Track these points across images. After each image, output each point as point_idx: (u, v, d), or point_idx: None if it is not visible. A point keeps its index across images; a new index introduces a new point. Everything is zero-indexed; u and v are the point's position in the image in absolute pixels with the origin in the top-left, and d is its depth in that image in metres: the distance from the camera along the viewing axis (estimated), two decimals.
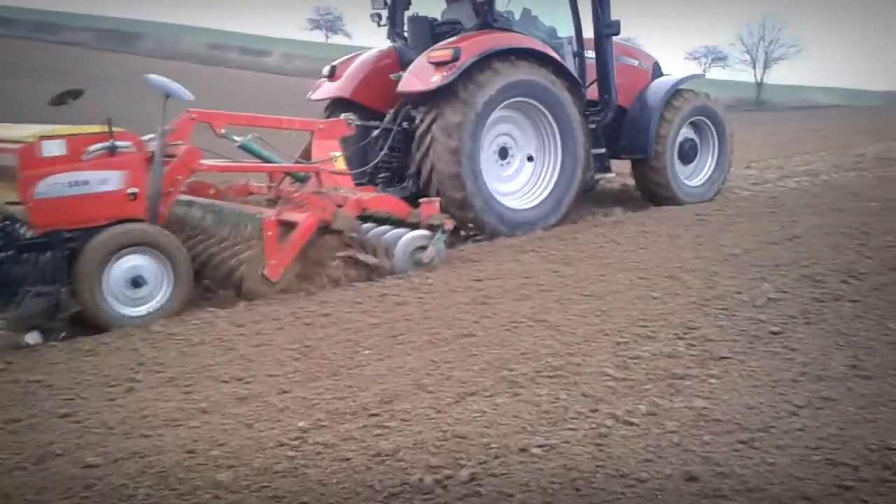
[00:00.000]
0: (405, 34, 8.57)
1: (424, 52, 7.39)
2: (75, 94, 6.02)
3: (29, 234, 5.03)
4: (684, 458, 2.96)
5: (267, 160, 6.80)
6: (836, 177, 10.89)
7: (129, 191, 5.20)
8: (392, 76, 7.88)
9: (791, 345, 4.15)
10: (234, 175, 7.41)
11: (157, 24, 61.69)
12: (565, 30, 8.59)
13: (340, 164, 6.76)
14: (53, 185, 4.89)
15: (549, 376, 3.89)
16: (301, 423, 3.42)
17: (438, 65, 7.09)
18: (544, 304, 5.13)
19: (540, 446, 3.13)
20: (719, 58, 73.76)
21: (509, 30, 7.91)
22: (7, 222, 5.00)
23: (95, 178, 5.06)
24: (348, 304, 5.38)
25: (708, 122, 9.27)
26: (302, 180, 6.83)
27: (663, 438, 3.14)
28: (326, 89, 8.35)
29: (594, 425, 3.31)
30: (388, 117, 7.89)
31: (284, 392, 3.83)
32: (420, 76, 7.23)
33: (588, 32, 8.49)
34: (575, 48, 8.50)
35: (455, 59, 6.99)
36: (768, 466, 2.86)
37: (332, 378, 4.03)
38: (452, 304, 5.26)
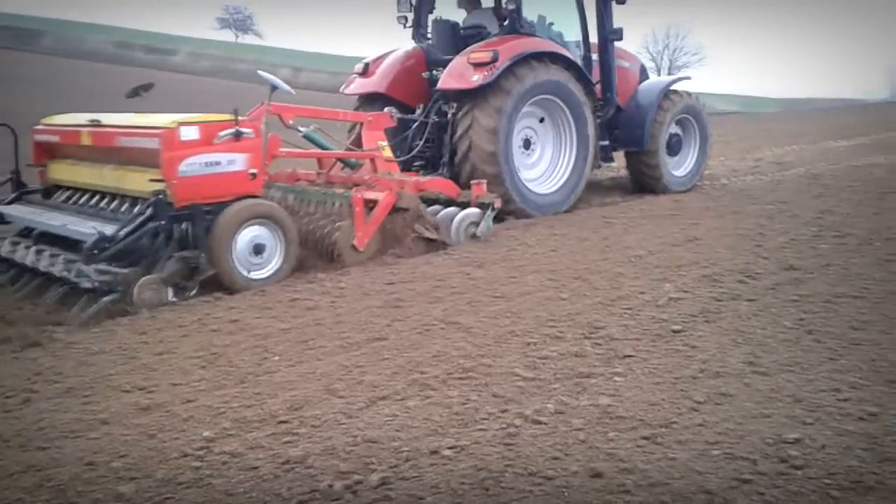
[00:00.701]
0: (429, 36, 9.39)
1: (462, 53, 8.20)
2: (146, 88, 7.22)
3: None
4: (590, 454, 3.03)
5: (326, 148, 7.69)
6: (735, 181, 11.34)
7: (251, 171, 5.93)
8: (424, 74, 8.91)
9: (691, 342, 4.30)
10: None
11: (58, 22, 58.95)
12: (571, 34, 9.44)
13: (388, 153, 7.51)
14: (192, 164, 5.59)
15: (461, 378, 3.92)
16: (206, 433, 3.33)
17: (478, 65, 7.89)
18: (456, 307, 5.16)
19: (451, 448, 3.14)
20: None
21: (533, 35, 8.69)
22: (161, 195, 5.50)
23: (225, 159, 5.78)
24: (257, 309, 5.28)
25: (692, 119, 10.26)
26: (353, 167, 7.70)
27: (570, 436, 3.20)
28: (362, 84, 9.01)
29: (504, 425, 3.35)
30: (418, 111, 8.61)
31: (189, 401, 3.73)
32: (461, 75, 7.99)
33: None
34: (582, 51, 9.32)
35: (494, 60, 7.81)
36: (670, 461, 2.95)
37: (239, 385, 3.94)
38: (365, 307, 5.23)
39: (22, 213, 6.68)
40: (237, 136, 5.85)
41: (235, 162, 5.84)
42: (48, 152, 7.09)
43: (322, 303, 5.37)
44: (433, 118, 8.52)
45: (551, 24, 9.34)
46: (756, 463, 2.92)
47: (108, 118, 6.44)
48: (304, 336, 4.67)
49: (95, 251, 5.26)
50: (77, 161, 6.79)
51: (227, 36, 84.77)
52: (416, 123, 8.52)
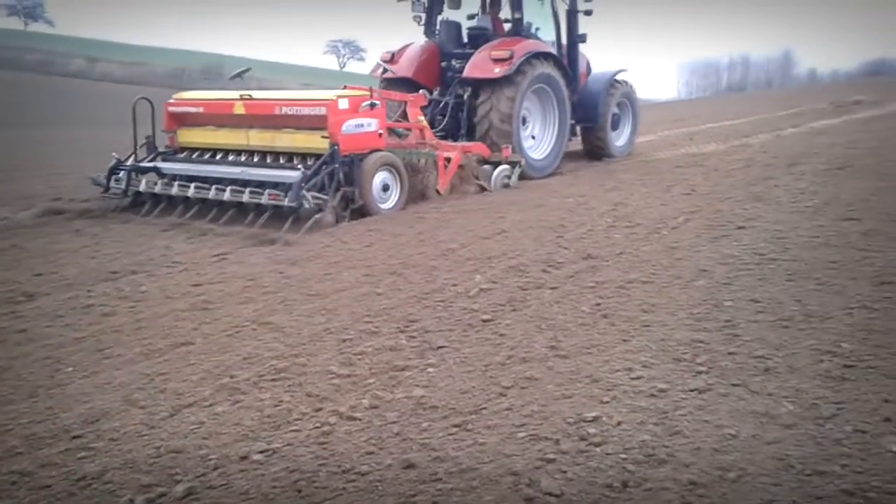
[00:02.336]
0: (437, 32, 11.67)
1: (481, 49, 10.59)
2: (245, 71, 9.83)
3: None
4: (403, 446, 3.06)
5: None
6: (539, 178, 11.89)
7: (379, 131, 8.23)
8: (442, 64, 11.37)
9: (500, 331, 4.46)
10: None
11: None
12: (547, 37, 11.86)
13: (425, 125, 9.47)
14: (349, 126, 7.84)
15: (273, 379, 3.82)
16: None
17: (498, 60, 10.23)
18: (269, 306, 5.03)
19: (262, 452, 3.06)
20: None
21: (530, 37, 11.23)
22: (336, 146, 7.64)
23: (366, 122, 8.04)
24: (48, 317, 4.87)
25: (628, 102, 13.27)
26: (400, 136, 9.04)
27: (385, 430, 3.22)
28: (396, 68, 11.13)
29: (318, 424, 3.31)
30: (436, 93, 11.02)
31: None
32: (484, 67, 10.34)
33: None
34: (557, 51, 11.66)
35: (511, 57, 10.22)
36: (479, 446, 3.04)
37: (28, 400, 3.63)
38: (169, 311, 4.97)
39: (176, 167, 8.71)
40: (372, 106, 8.12)
41: (371, 125, 8.14)
42: (179, 121, 9.20)
43: (121, 308, 5.04)
44: (452, 99, 10.89)
45: (537, 28, 11.80)
46: (559, 442, 3.07)
47: (256, 94, 8.79)
48: (100, 344, 4.36)
49: (304, 184, 7.29)
50: (217, 127, 8.92)
51: (16, 24, 77.76)
52: (442, 103, 10.91)
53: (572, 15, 11.77)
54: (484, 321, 4.63)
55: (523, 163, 10.19)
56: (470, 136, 10.66)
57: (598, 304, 4.91)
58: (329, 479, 2.82)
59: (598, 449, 3.03)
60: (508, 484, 2.76)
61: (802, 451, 2.99)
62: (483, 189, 9.53)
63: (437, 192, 8.98)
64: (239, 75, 9.78)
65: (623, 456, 2.97)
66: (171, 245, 6.92)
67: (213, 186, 7.96)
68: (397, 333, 4.43)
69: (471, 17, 11.92)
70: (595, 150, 12.81)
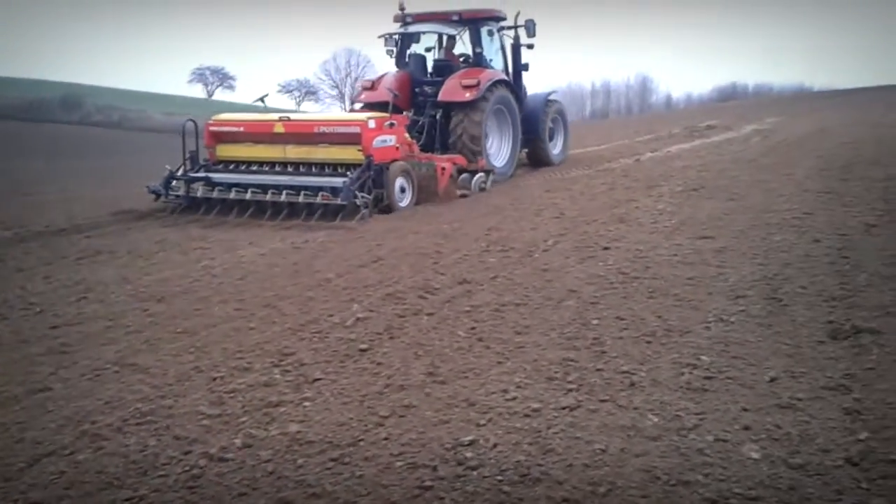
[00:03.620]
0: (407, 63, 13.67)
1: (451, 77, 12.67)
2: (265, 96, 12.11)
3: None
4: (278, 485, 2.98)
5: None
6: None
7: (397, 145, 10.18)
8: (416, 90, 13.35)
9: (377, 359, 4.45)
10: None
11: None
12: (497, 66, 13.81)
13: (412, 141, 11.17)
14: (377, 141, 9.75)
15: (138, 423, 3.66)
16: None
17: (467, 87, 12.33)
18: (132, 347, 4.79)
19: (127, 500, 2.94)
20: (311, 91, 76.70)
21: (489, 68, 13.33)
22: (371, 157, 9.53)
23: (388, 138, 10.00)
24: None
25: (560, 117, 15.54)
26: None
27: (258, 469, 3.13)
28: (375, 95, 12.91)
29: (187, 468, 3.18)
30: (410, 114, 12.65)
31: None
32: (456, 92, 12.39)
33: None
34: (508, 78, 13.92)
35: (478, 84, 12.34)
36: (357, 479, 3.00)
37: None
38: (24, 356, 4.66)
39: (225, 176, 10.23)
40: (391, 125, 10.17)
41: (392, 140, 10.10)
42: (218, 138, 10.82)
43: None
44: (427, 119, 12.75)
45: (491, 59, 13.71)
46: (436, 469, 3.09)
47: (293, 115, 11.31)
48: None
49: (352, 187, 9.14)
50: (255, 143, 10.57)
51: None
52: (419, 122, 12.68)
53: (516, 49, 14.17)
54: (361, 350, 4.60)
55: (494, 171, 12.42)
56: (444, 150, 12.43)
57: (474, 328, 4.98)
58: None
59: (474, 473, 3.06)
60: None
61: (668, 462, 3.13)
62: (464, 195, 11.27)
63: (437, 194, 10.72)
64: (261, 100, 12.07)
65: (499, 478, 3.02)
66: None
67: (270, 191, 9.65)
68: (271, 368, 4.33)
69: (428, 49, 14.21)
70: (538, 159, 15.05)
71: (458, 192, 11.22)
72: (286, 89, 76.96)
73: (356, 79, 72.88)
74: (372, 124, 9.77)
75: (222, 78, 78.59)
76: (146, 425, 3.62)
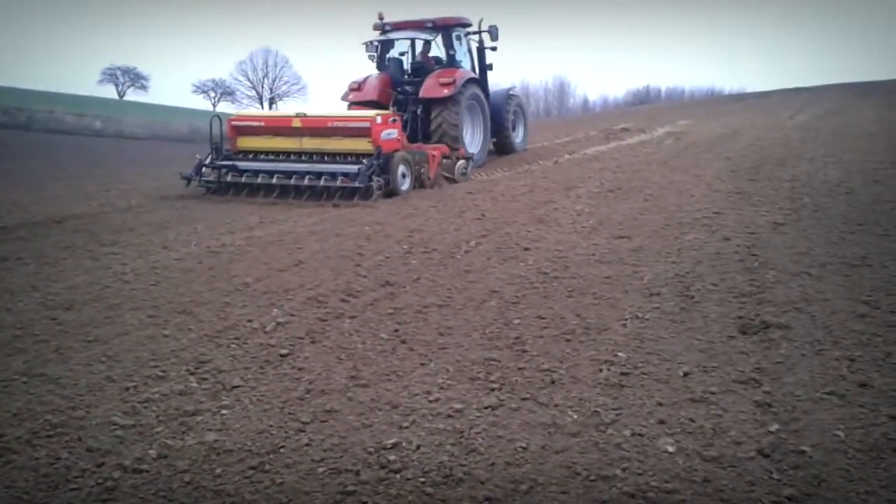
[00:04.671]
0: (387, 66, 15.33)
1: (430, 76, 14.36)
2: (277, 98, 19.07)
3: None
4: (196, 496, 2.91)
5: None
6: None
7: (398, 138, 11.83)
8: (397, 89, 14.87)
9: (299, 364, 4.38)
10: None
11: None
12: (465, 65, 15.52)
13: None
14: (383, 134, 11.42)
15: (49, 436, 3.51)
16: None
17: (444, 84, 13.99)
18: (41, 356, 4.59)
19: None
20: (228, 92, 75.11)
21: (461, 68, 15.04)
22: (380, 148, 11.23)
23: (391, 132, 11.65)
24: None
25: (520, 110, 17.88)
26: None
27: (175, 480, 3.04)
28: (361, 95, 14.64)
29: (101, 480, 3.08)
30: (392, 110, 13.65)
31: None
32: (435, 90, 14.02)
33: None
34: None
35: (454, 82, 14.05)
36: (277, 487, 2.95)
37: None
38: None
39: (248, 165, 11.88)
40: (394, 121, 11.82)
41: (394, 133, 11.69)
42: (239, 132, 12.46)
43: None
44: (408, 115, 14.11)
45: (461, 61, 15.32)
46: (359, 473, 3.06)
47: (309, 111, 12.36)
48: None
49: (367, 172, 10.81)
50: (273, 136, 12.17)
51: None
52: (403, 117, 13.42)
53: (481, 51, 15.99)
54: (282, 356, 4.53)
55: (473, 158, 14.05)
56: (426, 141, 13.86)
57: (397, 331, 4.97)
58: None
59: (397, 476, 3.05)
60: None
61: (587, 457, 3.19)
62: (449, 178, 12.81)
63: (430, 178, 12.19)
64: (273, 101, 15.82)
65: (422, 479, 3.01)
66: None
67: (293, 176, 11.26)
68: (187, 376, 4.21)
69: (402, 53, 15.82)
70: (503, 147, 17.00)
71: (444, 176, 12.82)
72: (201, 89, 75.26)
73: (274, 79, 71.89)
74: (379, 120, 11.44)
75: (134, 78, 76.28)
76: (57, 437, 3.47)
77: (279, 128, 12.23)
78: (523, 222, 8.59)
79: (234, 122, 12.59)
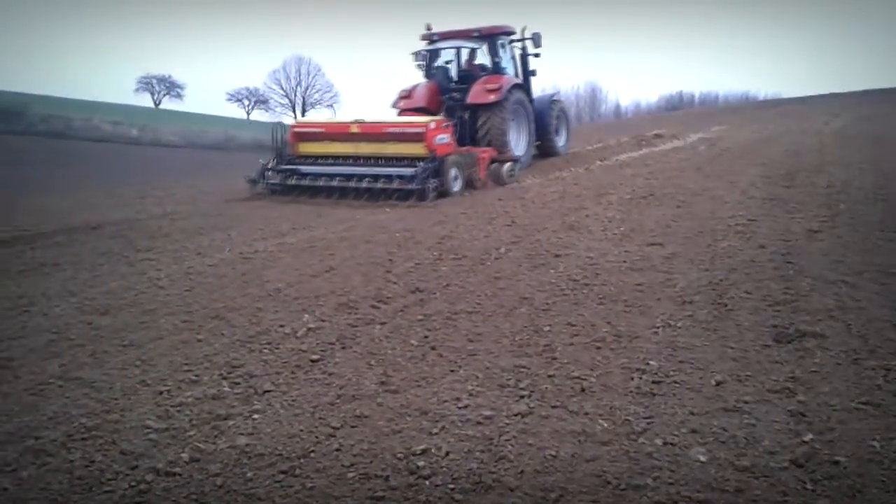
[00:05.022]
0: (434, 74, 15.96)
1: (477, 83, 14.80)
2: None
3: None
4: (227, 499, 2.93)
5: None
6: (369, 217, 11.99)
7: (450, 142, 12.42)
8: (445, 96, 15.28)
9: (329, 370, 4.41)
10: None
11: None
12: (510, 72, 16.10)
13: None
14: (437, 139, 12.01)
15: (83, 438, 3.57)
16: None
17: (490, 90, 14.51)
18: (77, 360, 4.67)
19: None
20: (262, 100, 75.95)
21: (506, 74, 15.59)
22: (434, 152, 11.84)
23: (444, 136, 12.25)
24: None
25: (563, 115, 18.42)
26: None
27: (206, 483, 3.07)
28: (411, 102, 15.27)
29: (134, 483, 3.12)
30: (441, 115, 14.17)
31: None
32: (482, 95, 14.53)
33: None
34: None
35: (500, 88, 14.57)
36: (308, 491, 2.97)
37: None
38: None
39: (309, 168, 12.77)
40: (446, 126, 12.50)
41: (446, 138, 12.30)
42: (300, 137, 13.34)
43: None
44: (457, 120, 14.03)
45: (505, 67, 15.86)
46: (388, 479, 3.07)
47: (366, 117, 12.79)
48: None
49: (423, 174, 11.47)
50: (331, 141, 13.02)
51: None
52: (452, 122, 13.76)
53: (525, 58, 16.56)
54: (313, 361, 4.56)
55: (521, 162, 14.68)
56: (474, 144, 14.22)
57: (427, 337, 4.98)
58: None
59: (427, 482, 3.05)
60: None
61: (618, 466, 3.16)
62: (498, 180, 13.32)
63: (479, 179, 12.91)
64: (330, 105, 16.16)
65: (451, 486, 3.01)
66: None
67: (353, 179, 12.09)
68: (220, 380, 4.26)
69: (448, 62, 16.32)
70: (547, 150, 17.42)
71: (492, 180, 13.43)
72: (235, 98, 76.21)
73: (307, 88, 72.56)
74: (433, 125, 12.09)
75: (169, 86, 77.46)
76: (91, 440, 3.53)
77: (337, 133, 13.04)
78: (554, 229, 8.56)
79: (296, 129, 13.56)
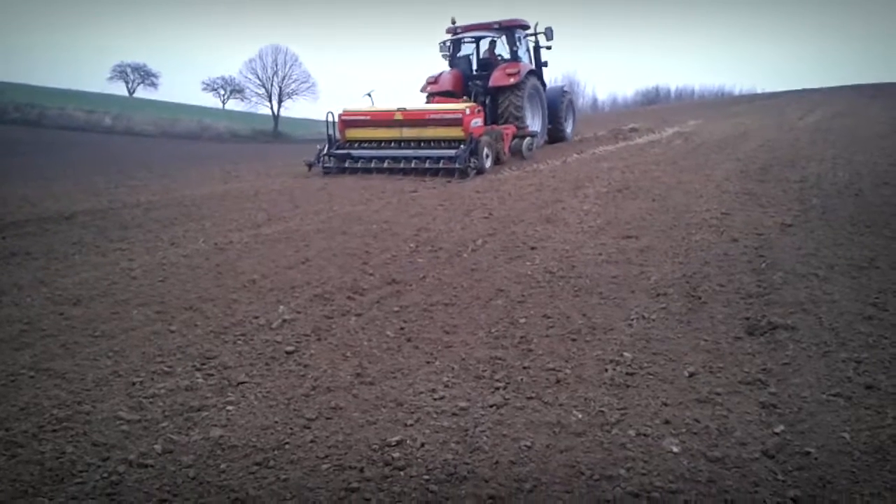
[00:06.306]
0: (457, 62, 17.90)
1: (497, 69, 16.68)
2: (372, 91, 16.13)
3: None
4: (200, 490, 2.91)
5: None
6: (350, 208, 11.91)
7: (482, 124, 14.34)
8: (469, 83, 17.15)
9: (304, 361, 4.39)
10: None
11: None
12: (525, 61, 17.93)
13: None
14: (473, 122, 13.75)
15: (54, 430, 3.53)
16: None
17: (510, 74, 16.24)
18: (48, 351, 4.61)
19: None
20: (237, 90, 75.08)
21: (522, 61, 17.37)
22: (472, 134, 13.55)
23: (477, 121, 14.02)
24: None
25: (571, 105, 20.43)
26: None
27: (179, 475, 3.05)
28: (438, 86, 17.10)
29: (106, 474, 3.09)
30: (465, 99, 16.12)
31: None
32: (503, 78, 16.27)
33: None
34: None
35: (518, 72, 16.32)
36: (282, 483, 2.96)
37: None
38: None
39: (361, 153, 14.46)
40: (479, 111, 14.27)
41: (479, 122, 14.10)
42: (348, 124, 14.77)
43: None
44: (479, 103, 15.50)
45: (521, 57, 17.51)
46: (363, 470, 3.06)
47: (409, 105, 14.44)
48: None
49: (464, 155, 13.16)
50: (376, 127, 14.50)
51: None
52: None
53: (537, 50, 18.60)
54: (287, 353, 4.54)
55: (538, 135, 16.98)
56: (495, 123, 16.07)
57: (403, 329, 4.97)
58: None
59: (401, 473, 3.05)
60: None
61: (591, 457, 3.18)
62: (519, 154, 15.45)
63: (504, 153, 14.82)
64: (368, 94, 16.06)
65: (426, 477, 3.02)
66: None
67: (403, 160, 13.86)
68: (193, 372, 4.23)
69: (469, 53, 18.18)
70: (555, 135, 19.10)
71: (513, 154, 15.37)
72: (211, 87, 75.35)
73: (283, 77, 71.88)
74: (468, 111, 13.71)
75: (144, 75, 76.42)
76: (63, 431, 3.49)
77: (382, 120, 14.50)
78: (530, 221, 8.58)
79: (344, 117, 14.90)
